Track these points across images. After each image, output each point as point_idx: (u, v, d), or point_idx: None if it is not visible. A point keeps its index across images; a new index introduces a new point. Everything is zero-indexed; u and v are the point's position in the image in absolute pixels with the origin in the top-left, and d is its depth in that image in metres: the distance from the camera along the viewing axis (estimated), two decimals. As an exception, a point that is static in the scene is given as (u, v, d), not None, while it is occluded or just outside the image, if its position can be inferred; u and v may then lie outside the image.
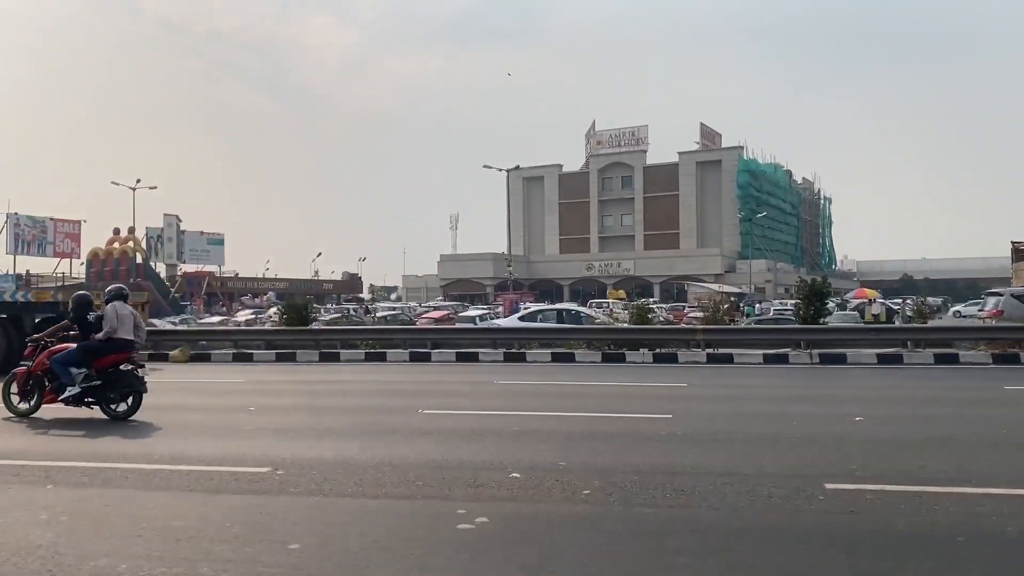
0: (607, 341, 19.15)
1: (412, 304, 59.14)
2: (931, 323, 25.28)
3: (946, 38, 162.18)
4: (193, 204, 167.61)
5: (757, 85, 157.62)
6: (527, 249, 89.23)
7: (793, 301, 27.95)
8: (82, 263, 66.12)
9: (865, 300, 38.90)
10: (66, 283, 53.47)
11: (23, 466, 6.79)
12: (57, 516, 5.19)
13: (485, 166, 51.87)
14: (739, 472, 6.18)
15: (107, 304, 9.72)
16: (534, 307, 30.04)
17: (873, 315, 31.18)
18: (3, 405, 9.70)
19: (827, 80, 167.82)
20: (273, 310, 29.92)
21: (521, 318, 23.68)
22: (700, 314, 29.20)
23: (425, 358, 18.74)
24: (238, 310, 53.90)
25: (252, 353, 19.91)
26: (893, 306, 35.69)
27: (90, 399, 9.45)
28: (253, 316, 42.67)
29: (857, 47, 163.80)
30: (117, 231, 65.32)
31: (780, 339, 18.85)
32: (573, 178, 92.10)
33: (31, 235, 64.44)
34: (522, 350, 19.00)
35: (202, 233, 76.02)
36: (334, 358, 19.14)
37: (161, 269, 69.39)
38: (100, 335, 9.50)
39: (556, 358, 18.13)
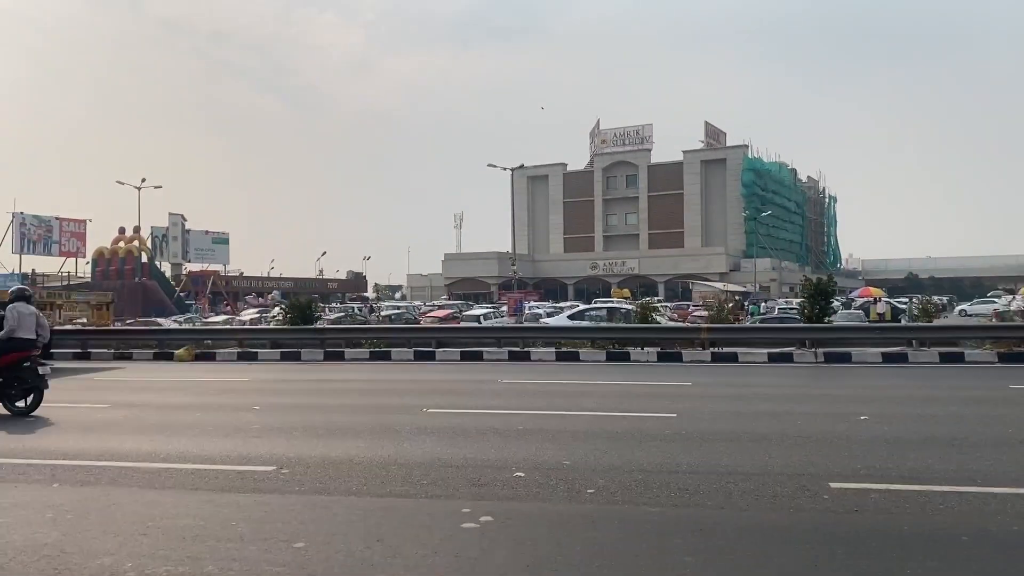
0: (611, 340, 19.14)
1: (416, 303, 59.22)
2: (936, 322, 25.20)
3: (946, 38, 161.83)
4: (198, 204, 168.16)
5: (760, 84, 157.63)
6: (531, 248, 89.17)
7: (798, 300, 27.86)
8: (88, 262, 66.41)
9: (870, 299, 38.88)
10: (71, 282, 53.70)
11: (29, 464, 6.84)
12: (63, 514, 5.22)
13: (489, 165, 51.60)
14: (744, 471, 6.18)
15: (9, 305, 10.24)
16: (583, 306, 30.41)
17: (878, 314, 31.11)
18: None
19: (828, 80, 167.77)
20: (277, 309, 29.93)
21: (570, 316, 24.67)
22: (705, 313, 29.21)
23: (429, 357, 18.79)
24: (243, 309, 53.96)
25: (257, 352, 19.99)
26: (900, 305, 35.61)
27: None
28: (258, 315, 42.78)
29: (857, 47, 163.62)
30: (122, 230, 65.64)
31: (785, 338, 18.83)
32: (577, 177, 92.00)
33: (37, 234, 64.56)
34: (526, 349, 19.01)
35: (207, 232, 76.26)
36: (338, 357, 19.19)
37: (166, 268, 69.74)
38: (0, 335, 9.97)
39: (560, 357, 18.15)
